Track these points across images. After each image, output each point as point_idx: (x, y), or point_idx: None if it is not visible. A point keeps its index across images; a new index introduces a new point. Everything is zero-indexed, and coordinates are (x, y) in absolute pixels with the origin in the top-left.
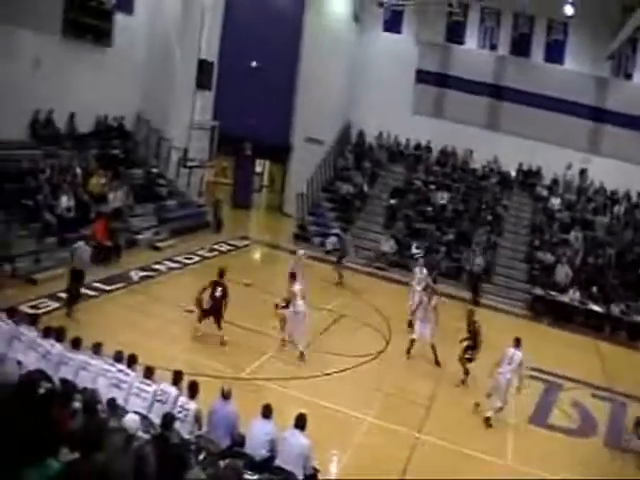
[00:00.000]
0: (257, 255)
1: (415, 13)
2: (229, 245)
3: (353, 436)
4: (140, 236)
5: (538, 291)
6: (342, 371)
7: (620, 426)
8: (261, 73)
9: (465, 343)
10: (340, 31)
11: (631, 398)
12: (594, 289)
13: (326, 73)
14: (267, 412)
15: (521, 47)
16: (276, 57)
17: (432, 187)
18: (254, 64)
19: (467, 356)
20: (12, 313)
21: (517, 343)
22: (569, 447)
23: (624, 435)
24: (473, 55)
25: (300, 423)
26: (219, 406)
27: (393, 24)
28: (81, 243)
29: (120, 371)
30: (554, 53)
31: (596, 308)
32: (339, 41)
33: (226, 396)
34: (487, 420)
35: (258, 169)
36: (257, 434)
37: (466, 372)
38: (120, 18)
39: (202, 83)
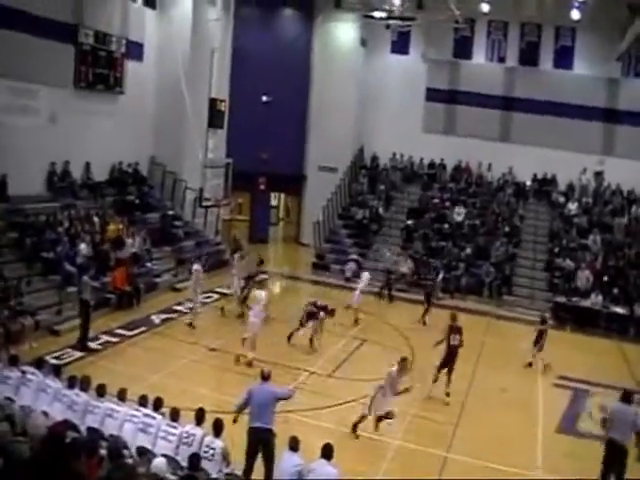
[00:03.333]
0: (276, 288)
1: (421, 32)
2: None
3: (381, 462)
4: (159, 279)
5: (560, 298)
6: (366, 397)
7: None
8: (272, 106)
9: None
10: (348, 57)
11: None
12: (616, 291)
13: (336, 100)
14: (294, 444)
15: (529, 56)
16: (286, 89)
17: (447, 204)
18: (265, 99)
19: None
20: (40, 364)
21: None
22: (599, 452)
23: None
24: (482, 69)
25: (327, 453)
26: (258, 388)
27: (400, 45)
28: (85, 277)
29: (146, 415)
30: (563, 59)
31: (619, 310)
32: (348, 67)
33: (266, 377)
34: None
35: (274, 202)
36: (285, 467)
37: None
38: (130, 65)
39: (214, 122)
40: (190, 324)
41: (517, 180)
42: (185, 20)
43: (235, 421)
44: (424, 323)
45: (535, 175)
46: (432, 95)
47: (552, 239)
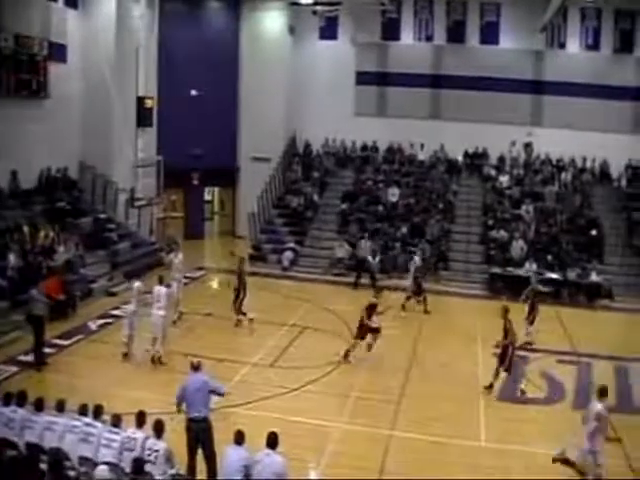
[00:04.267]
0: (213, 283)
1: (349, 16)
2: (185, 278)
3: (327, 445)
4: (95, 285)
5: (495, 269)
6: (309, 383)
7: (587, 387)
8: (202, 100)
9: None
10: (277, 45)
11: (596, 357)
12: (549, 258)
13: (266, 89)
14: (239, 438)
15: (456, 34)
16: (216, 81)
17: (381, 186)
18: (194, 93)
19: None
20: None
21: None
22: (539, 417)
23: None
24: (410, 49)
25: (272, 442)
26: (190, 378)
27: (328, 31)
28: (34, 290)
29: (87, 424)
30: (489, 35)
31: (553, 276)
32: (276, 55)
33: (196, 367)
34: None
35: (208, 197)
36: (231, 462)
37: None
38: (54, 68)
39: (142, 120)
40: (126, 354)
41: (449, 157)
42: (109, 18)
43: (179, 412)
44: (426, 311)
45: (466, 150)
46: (362, 78)
47: (485, 212)
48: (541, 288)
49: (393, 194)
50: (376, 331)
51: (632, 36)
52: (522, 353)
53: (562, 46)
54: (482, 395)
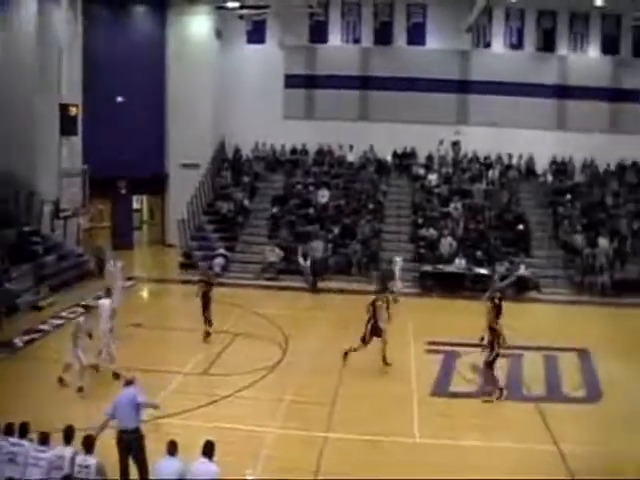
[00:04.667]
0: (143, 293)
1: (277, 20)
2: None
3: (261, 451)
4: (20, 299)
5: (425, 267)
6: (242, 390)
7: (518, 378)
8: (128, 106)
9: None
10: (204, 50)
11: (526, 349)
12: (478, 254)
13: (194, 94)
14: (172, 449)
15: (383, 36)
16: (142, 87)
17: (312, 188)
18: (120, 99)
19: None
20: None
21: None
22: (472, 410)
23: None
24: (338, 51)
25: (207, 450)
26: (122, 393)
27: (256, 34)
28: None
29: (14, 444)
30: (416, 36)
31: (482, 271)
32: (204, 60)
33: (129, 382)
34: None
35: (136, 205)
36: (165, 473)
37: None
38: None
39: (66, 129)
40: (80, 389)
41: (378, 157)
42: (29, 23)
43: (104, 428)
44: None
45: (395, 151)
46: (291, 81)
47: (415, 211)
48: (503, 286)
49: (323, 196)
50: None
51: (554, 35)
52: (454, 349)
53: (487, 46)
54: (415, 392)
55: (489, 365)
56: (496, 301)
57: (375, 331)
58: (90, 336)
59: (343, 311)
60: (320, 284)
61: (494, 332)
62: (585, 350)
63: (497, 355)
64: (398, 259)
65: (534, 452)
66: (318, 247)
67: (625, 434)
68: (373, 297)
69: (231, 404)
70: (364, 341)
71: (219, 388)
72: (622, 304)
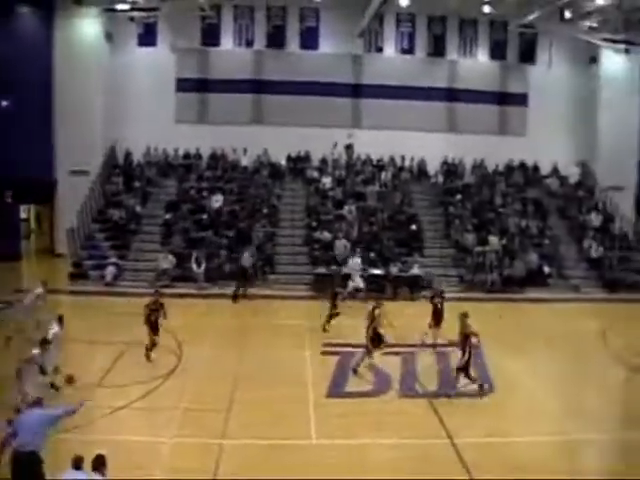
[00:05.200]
0: None
1: (168, 23)
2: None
3: (158, 461)
4: None
5: (320, 269)
6: (137, 400)
7: (412, 376)
8: (14, 112)
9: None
10: (93, 53)
11: (419, 347)
12: (372, 255)
13: (83, 99)
14: (78, 462)
15: (276, 39)
16: (28, 92)
17: (205, 193)
18: (4, 104)
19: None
20: None
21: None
22: (368, 409)
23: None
24: (231, 55)
25: (98, 464)
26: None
27: (147, 37)
28: None
29: None
30: (309, 40)
31: (376, 271)
32: (93, 63)
33: (35, 403)
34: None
35: (23, 215)
36: None
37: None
38: None
39: None
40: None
41: (272, 161)
42: None
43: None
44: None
45: (289, 154)
46: (182, 85)
47: (309, 214)
48: (443, 288)
49: (217, 201)
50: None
51: (444, 40)
52: (349, 350)
53: (379, 50)
54: (311, 394)
55: (463, 370)
56: (438, 306)
57: (378, 339)
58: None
59: (238, 317)
60: (215, 290)
61: (466, 337)
62: (476, 345)
63: (469, 359)
64: (357, 259)
65: (429, 446)
66: (247, 257)
67: (516, 424)
68: (373, 304)
69: (126, 415)
70: (369, 350)
71: (113, 399)
72: (510, 299)
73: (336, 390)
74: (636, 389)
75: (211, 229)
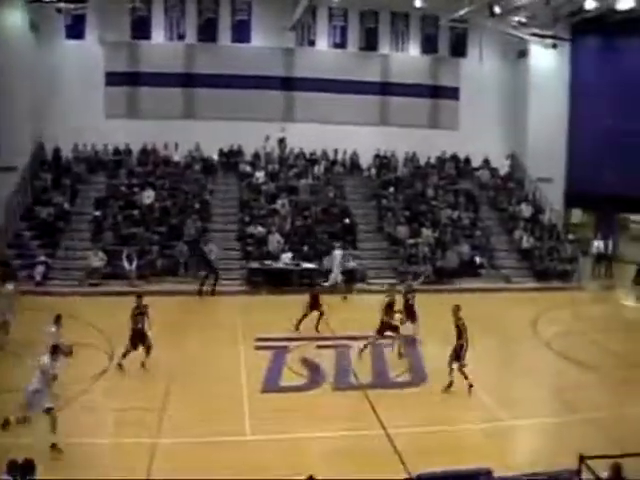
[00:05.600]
0: None
1: (97, 15)
2: None
3: (91, 462)
4: None
5: (253, 264)
6: (69, 401)
7: (346, 368)
8: None
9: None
10: (17, 45)
11: (353, 339)
12: (306, 249)
13: (7, 93)
14: (12, 468)
15: (208, 33)
16: None
17: (136, 189)
18: None
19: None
20: None
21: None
22: (302, 403)
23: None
24: (161, 48)
25: (27, 470)
26: None
27: (75, 30)
28: None
29: None
30: (240, 33)
31: (309, 265)
32: (17, 55)
33: None
34: None
35: None
36: None
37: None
38: None
39: None
40: None
41: (204, 156)
42: None
43: None
44: (297, 328)
45: (221, 149)
46: (112, 79)
47: (242, 209)
48: (415, 285)
49: (148, 197)
50: (396, 329)
51: (376, 34)
52: (283, 344)
53: (312, 44)
54: (245, 389)
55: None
56: (410, 302)
57: (389, 328)
58: None
59: (170, 313)
60: (149, 287)
61: (459, 329)
62: (411, 337)
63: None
64: (338, 252)
65: (362, 437)
66: (216, 250)
67: (449, 412)
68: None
69: (58, 418)
70: (380, 332)
71: (45, 402)
72: (443, 290)
73: (270, 385)
74: (566, 374)
75: (142, 225)
